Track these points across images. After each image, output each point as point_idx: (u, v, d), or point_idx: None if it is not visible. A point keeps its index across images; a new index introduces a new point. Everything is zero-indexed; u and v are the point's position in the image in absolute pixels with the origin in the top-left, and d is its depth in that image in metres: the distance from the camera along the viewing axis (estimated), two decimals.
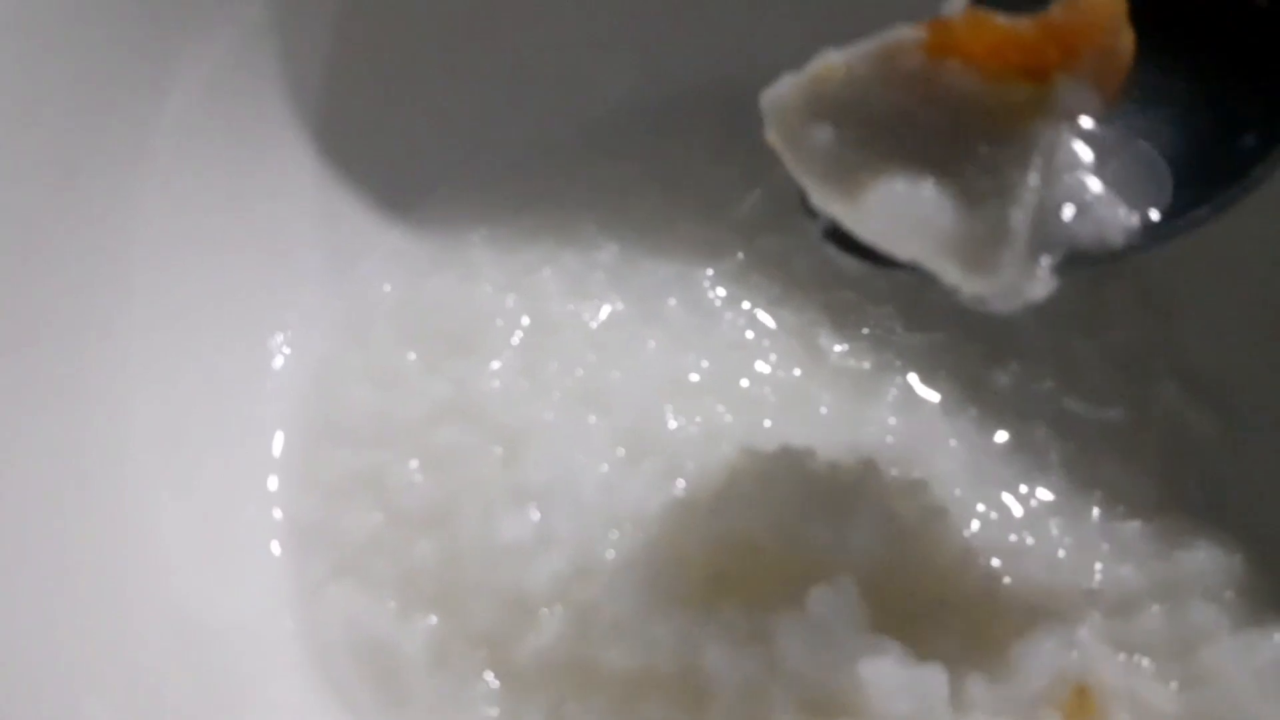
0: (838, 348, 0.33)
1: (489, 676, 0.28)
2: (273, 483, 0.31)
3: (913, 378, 0.33)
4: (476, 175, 0.36)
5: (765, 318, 0.33)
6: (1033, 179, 0.20)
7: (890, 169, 0.20)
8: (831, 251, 0.23)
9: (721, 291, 0.34)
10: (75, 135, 0.28)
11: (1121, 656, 0.28)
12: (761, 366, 0.32)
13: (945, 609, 0.28)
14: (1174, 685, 0.28)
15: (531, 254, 0.35)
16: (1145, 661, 0.28)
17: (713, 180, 0.36)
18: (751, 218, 0.35)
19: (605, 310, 0.33)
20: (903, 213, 0.20)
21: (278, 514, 0.31)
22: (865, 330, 0.33)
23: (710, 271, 0.34)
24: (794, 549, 0.28)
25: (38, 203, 0.27)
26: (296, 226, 0.34)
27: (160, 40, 0.30)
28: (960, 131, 0.21)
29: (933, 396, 0.32)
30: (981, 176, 0.21)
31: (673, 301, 0.33)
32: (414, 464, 0.31)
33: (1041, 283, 0.21)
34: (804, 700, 0.27)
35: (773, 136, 0.22)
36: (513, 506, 0.29)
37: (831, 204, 0.21)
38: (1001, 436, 0.32)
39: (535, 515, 0.29)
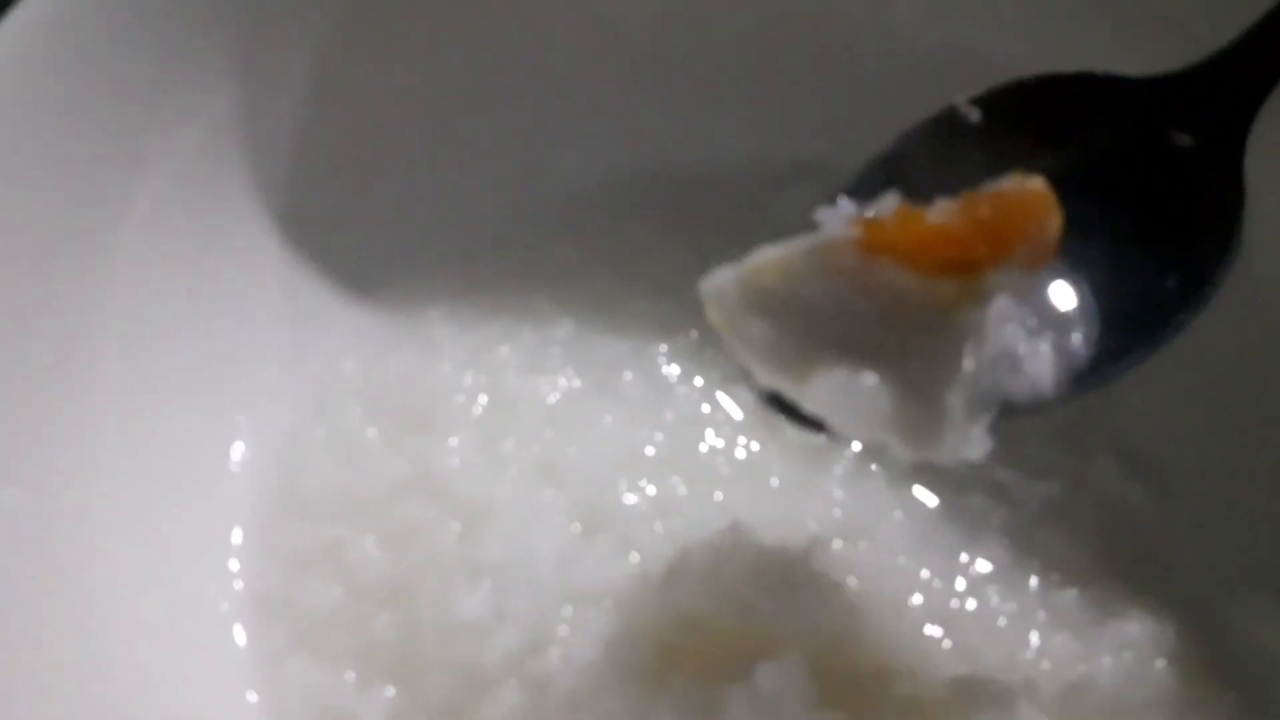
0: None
1: None
2: (235, 557, 0.32)
3: (860, 452, 0.34)
4: (437, 256, 0.37)
5: (719, 394, 0.35)
6: (966, 363, 0.22)
7: (830, 359, 0.22)
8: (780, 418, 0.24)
9: (675, 368, 0.35)
10: (46, 227, 0.29)
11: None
12: (715, 440, 0.34)
13: (890, 677, 0.29)
14: None
15: (490, 331, 0.36)
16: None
17: (665, 260, 0.38)
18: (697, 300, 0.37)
19: (562, 385, 0.35)
20: (845, 398, 0.22)
21: (239, 587, 0.32)
22: None
23: (664, 348, 0.36)
24: (743, 623, 0.30)
25: (7, 291, 0.28)
26: (261, 309, 0.35)
27: (129, 136, 0.32)
28: (895, 322, 0.22)
29: (879, 470, 0.34)
30: (917, 364, 0.22)
31: (628, 376, 0.35)
32: (373, 539, 0.32)
33: (978, 443, 0.22)
34: None
35: (714, 318, 0.23)
36: (469, 582, 0.30)
37: (776, 383, 0.23)
38: (943, 508, 0.33)
39: (491, 591, 0.30)
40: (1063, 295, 0.25)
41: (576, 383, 0.35)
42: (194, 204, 0.34)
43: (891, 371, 0.22)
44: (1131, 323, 0.24)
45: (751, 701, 0.28)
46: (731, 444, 0.34)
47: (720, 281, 0.23)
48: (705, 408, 0.35)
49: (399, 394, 0.35)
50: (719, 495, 0.33)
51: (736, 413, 0.35)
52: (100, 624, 0.28)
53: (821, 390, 0.22)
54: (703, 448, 0.34)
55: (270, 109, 0.34)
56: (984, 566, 0.33)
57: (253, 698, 0.30)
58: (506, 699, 0.29)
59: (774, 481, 0.34)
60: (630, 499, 0.32)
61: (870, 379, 0.22)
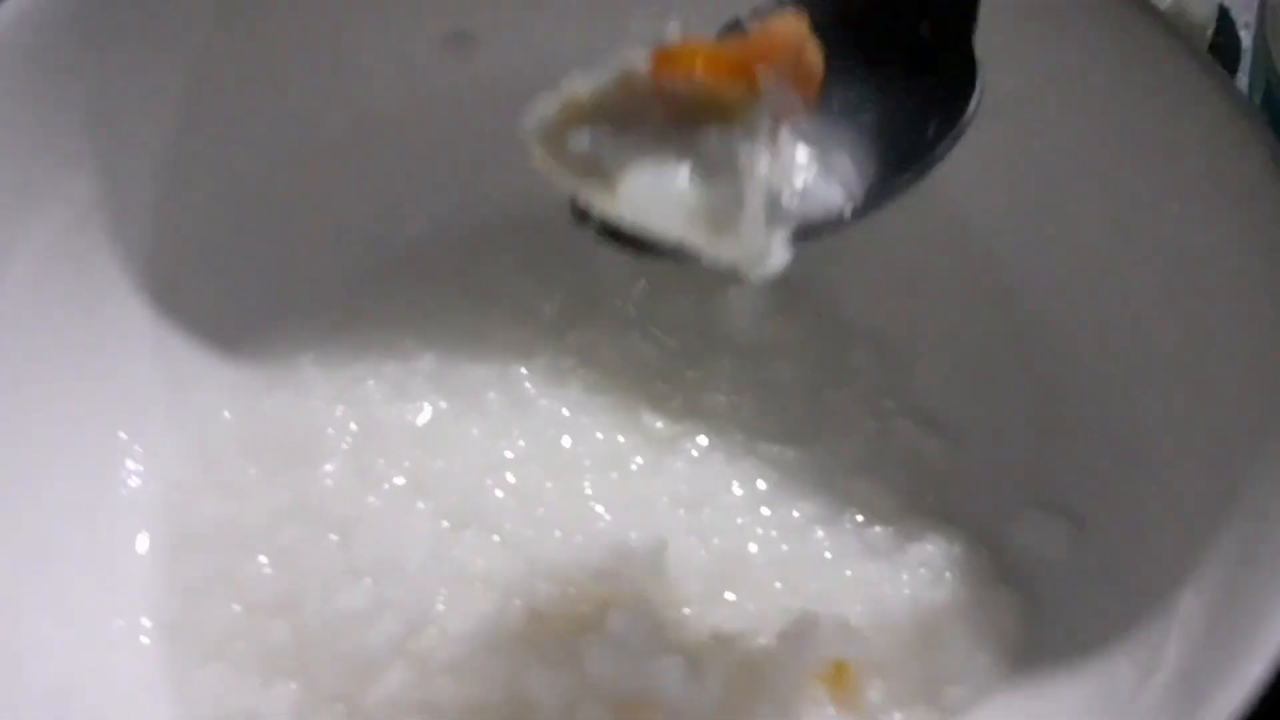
0: (646, 418, 0.40)
1: None
2: (136, 594, 0.37)
3: (703, 438, 0.40)
4: (302, 306, 0.43)
5: (580, 399, 0.41)
6: (760, 158, 0.28)
7: (639, 159, 0.27)
8: (607, 246, 0.29)
9: (537, 384, 0.41)
10: None
11: (870, 635, 0.35)
12: (576, 440, 0.40)
13: (728, 612, 0.35)
14: (910, 648, 0.36)
15: (356, 370, 0.42)
16: (888, 637, 0.35)
17: (517, 293, 0.44)
18: (558, 320, 0.43)
19: (427, 410, 0.40)
20: (654, 194, 0.27)
21: (145, 620, 0.36)
22: (672, 402, 0.41)
23: (524, 370, 0.41)
24: (598, 584, 0.36)
25: None
26: (137, 369, 0.40)
27: (3, 217, 0.36)
28: (694, 125, 0.28)
29: (721, 449, 0.40)
30: (716, 156, 0.28)
31: (491, 395, 0.41)
32: (261, 560, 0.37)
33: (779, 251, 0.28)
34: (612, 703, 0.33)
35: (538, 155, 0.28)
36: (350, 582, 0.36)
37: (595, 199, 0.28)
38: (775, 475, 0.40)
39: (370, 586, 0.35)
40: (842, 139, 0.31)
41: (442, 404, 0.41)
42: (65, 278, 0.39)
43: (694, 164, 0.28)
44: (899, 161, 0.31)
45: (604, 646, 0.34)
46: (591, 440, 0.40)
47: (542, 107, 0.28)
48: (565, 412, 0.41)
49: (275, 434, 0.40)
50: (581, 484, 0.39)
51: (597, 413, 0.40)
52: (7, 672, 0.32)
53: (633, 190, 0.27)
54: (565, 443, 0.40)
55: (130, 184, 0.40)
56: (809, 514, 0.39)
57: (164, 708, 0.34)
58: (394, 677, 0.34)
59: (631, 467, 0.39)
60: (498, 494, 0.38)
61: (674, 171, 0.27)
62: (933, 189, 0.41)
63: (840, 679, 0.35)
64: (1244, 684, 0.28)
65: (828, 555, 0.38)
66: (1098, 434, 0.38)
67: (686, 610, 0.36)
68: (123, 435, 0.39)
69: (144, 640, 0.36)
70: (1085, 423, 0.39)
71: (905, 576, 0.37)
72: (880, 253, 0.43)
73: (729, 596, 0.37)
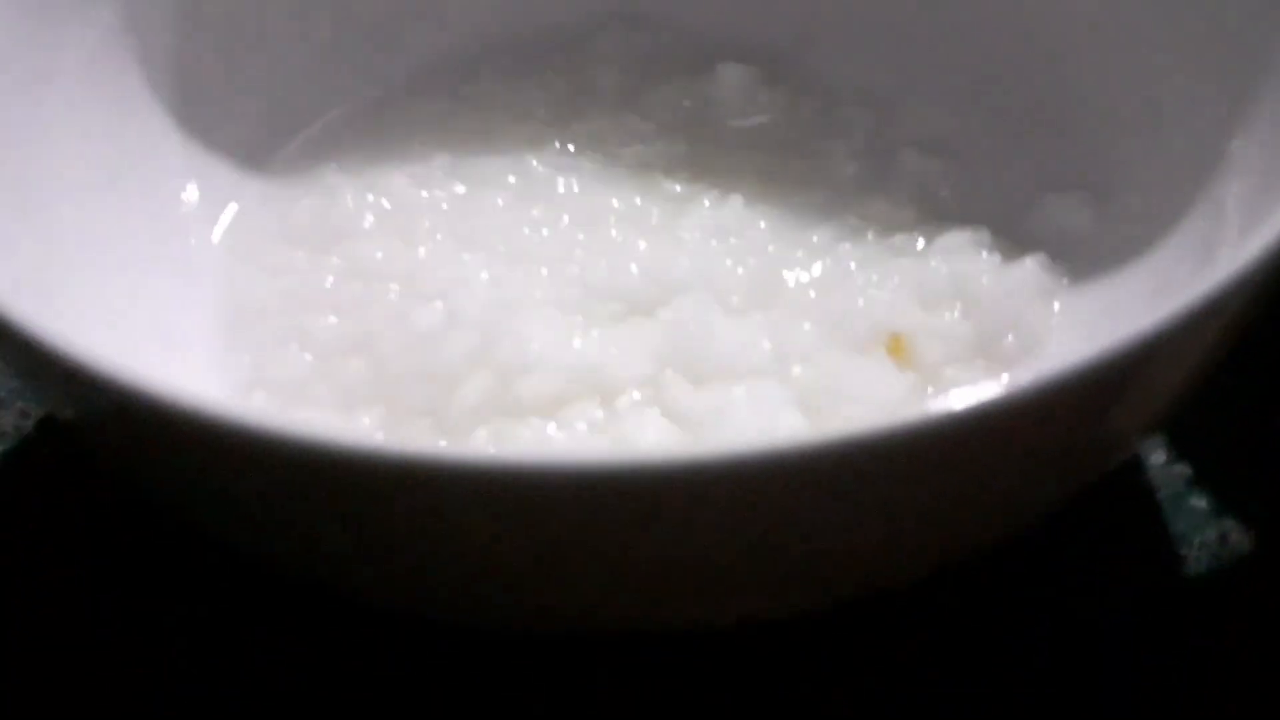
0: (660, 181, 0.44)
1: (436, 436, 0.36)
2: (207, 355, 0.38)
3: (716, 192, 0.43)
4: (322, 122, 0.46)
5: (594, 172, 0.44)
6: None
7: None
8: None
9: (549, 167, 0.44)
10: None
11: (916, 308, 0.38)
12: (599, 202, 0.43)
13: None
14: (956, 314, 0.38)
15: (378, 170, 0.45)
16: (935, 308, 0.39)
17: (518, 95, 0.47)
18: (558, 115, 0.47)
19: (452, 191, 0.43)
20: None
21: (215, 376, 0.38)
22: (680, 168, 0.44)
23: (534, 159, 0.45)
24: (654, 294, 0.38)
25: None
26: (171, 183, 0.42)
27: (41, 39, 0.40)
28: None
29: (737, 197, 0.43)
30: None
31: (510, 179, 0.44)
32: (327, 317, 0.39)
33: None
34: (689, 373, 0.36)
35: None
36: (419, 310, 0.38)
37: None
38: (786, 210, 0.43)
39: (440, 309, 0.37)
40: None
41: (463, 189, 0.43)
42: (99, 101, 0.41)
43: None
44: None
45: (669, 327, 0.37)
46: (611, 203, 0.43)
47: None
48: (579, 187, 0.44)
49: (314, 225, 0.43)
50: (611, 232, 0.41)
51: (611, 184, 0.44)
52: None
53: None
54: (587, 205, 0.43)
55: (152, 9, 0.42)
56: (829, 235, 0.42)
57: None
58: (476, 385, 0.36)
59: (653, 221, 0.43)
60: (536, 241, 0.41)
61: None
62: None
63: (898, 346, 0.38)
64: None
65: (853, 265, 0.41)
66: (1104, 117, 0.42)
67: (740, 303, 0.39)
68: (166, 237, 0.41)
69: (219, 396, 0.37)
70: (1087, 110, 0.43)
71: (935, 263, 0.40)
72: (857, 12, 0.47)
73: (775, 300, 0.40)
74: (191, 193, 0.43)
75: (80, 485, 0.38)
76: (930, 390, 0.37)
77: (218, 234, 0.43)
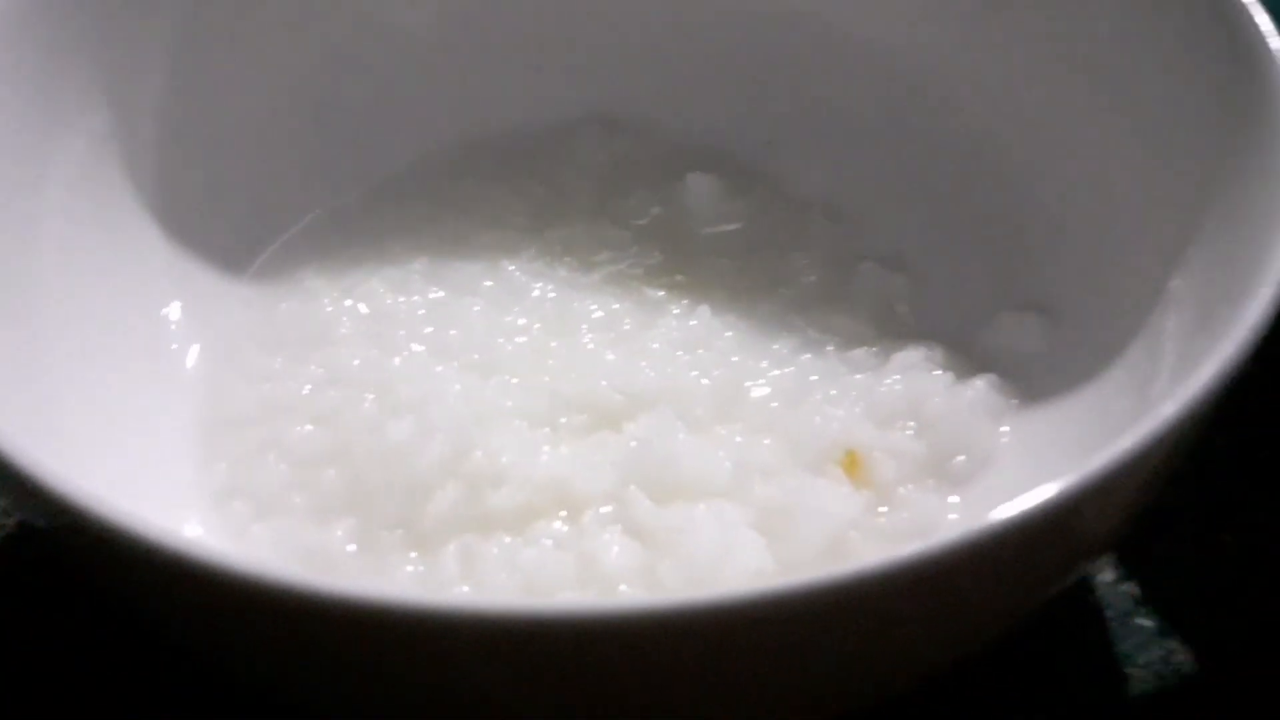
0: (633, 286, 0.47)
1: (406, 545, 0.38)
2: (185, 467, 0.40)
3: (686, 300, 0.46)
4: (303, 224, 0.49)
5: (569, 279, 0.47)
6: None
7: None
8: None
9: (527, 273, 0.48)
10: None
11: (871, 426, 0.41)
12: (574, 308, 0.46)
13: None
14: (910, 432, 0.41)
15: (357, 274, 0.48)
16: (888, 426, 0.42)
17: (496, 200, 0.51)
18: (535, 220, 0.50)
19: (430, 298, 0.46)
20: None
21: (196, 493, 0.40)
22: (654, 275, 0.47)
23: (512, 264, 0.48)
24: (622, 403, 0.41)
25: None
26: (157, 287, 0.45)
27: (32, 147, 0.43)
28: None
29: (705, 304, 0.46)
30: None
31: (487, 283, 0.47)
32: (304, 426, 0.42)
33: None
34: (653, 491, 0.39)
35: None
36: (393, 423, 0.41)
37: None
38: (752, 319, 0.46)
39: (413, 423, 0.40)
40: None
41: (441, 294, 0.46)
42: (88, 207, 0.45)
43: None
44: None
45: (635, 446, 0.40)
46: (585, 309, 0.46)
47: None
48: (555, 293, 0.47)
49: (292, 330, 0.46)
50: (584, 340, 0.44)
51: (585, 290, 0.47)
52: None
53: None
54: (562, 312, 0.46)
55: (139, 118, 0.46)
56: (791, 346, 0.45)
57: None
58: (448, 496, 0.39)
59: (626, 326, 0.46)
60: (510, 350, 0.44)
61: None
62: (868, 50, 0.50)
63: (854, 464, 0.41)
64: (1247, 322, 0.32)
65: (813, 379, 0.44)
66: (1057, 240, 0.45)
67: (703, 416, 0.42)
68: (149, 345, 0.44)
69: (192, 509, 0.40)
70: (1045, 233, 0.46)
71: (890, 380, 0.44)
72: (822, 124, 0.50)
73: (737, 414, 0.43)
74: (175, 301, 0.46)
75: (58, 585, 0.40)
76: (883, 510, 0.40)
77: (201, 339, 0.46)
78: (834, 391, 0.43)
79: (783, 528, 0.39)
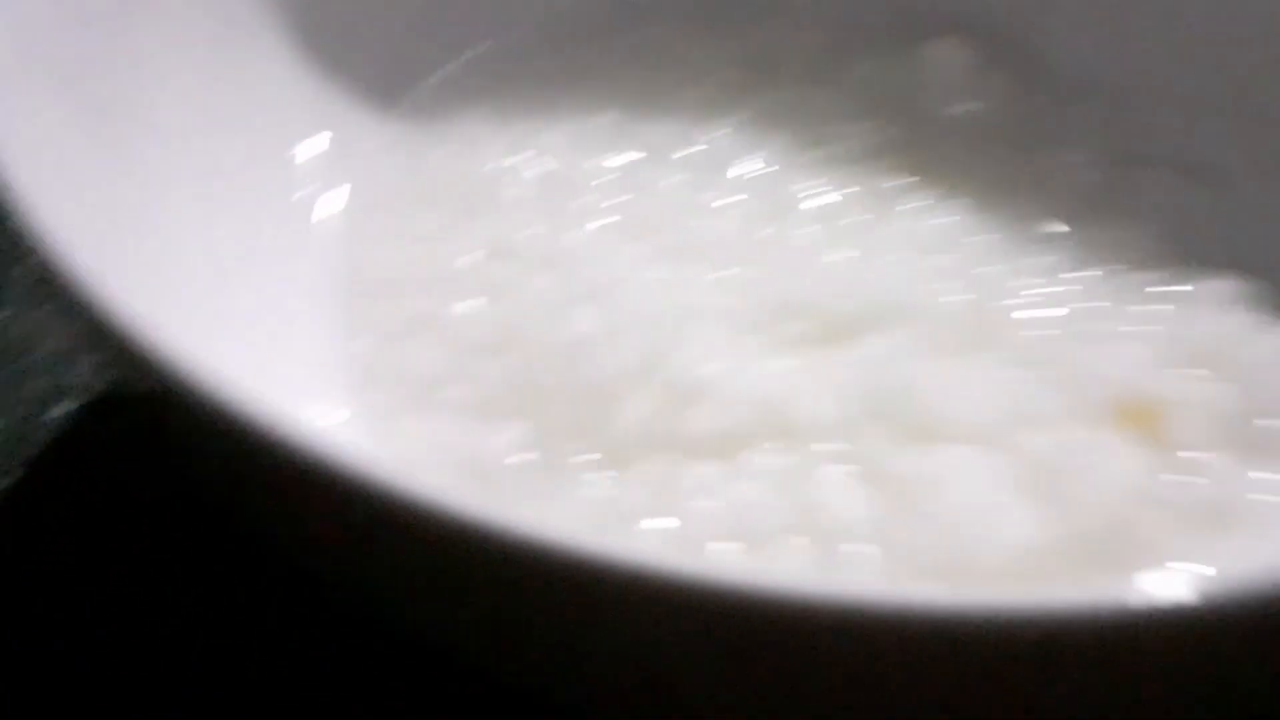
0: (858, 172, 0.39)
1: (590, 460, 0.31)
2: (324, 338, 0.34)
3: (924, 196, 0.38)
4: (464, 60, 0.41)
5: (781, 155, 0.39)
6: None
7: None
8: None
9: (733, 141, 0.40)
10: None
11: (1162, 371, 0.33)
12: (788, 190, 0.38)
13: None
14: (1210, 383, 0.33)
15: (532, 123, 0.40)
16: (1183, 375, 0.33)
17: (696, 53, 0.42)
18: (740, 80, 0.41)
19: (618, 159, 0.38)
20: None
21: (333, 365, 0.33)
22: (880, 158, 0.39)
23: (714, 128, 0.40)
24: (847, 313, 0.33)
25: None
26: (297, 125, 0.38)
27: None
28: None
29: (944, 201, 0.37)
30: None
31: (687, 151, 0.39)
32: (462, 304, 0.35)
33: None
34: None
35: None
36: (574, 310, 0.33)
37: None
38: (1002, 223, 0.37)
39: (597, 314, 0.33)
40: None
41: (631, 157, 0.38)
42: (197, 26, 0.37)
43: None
44: None
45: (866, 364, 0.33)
46: (801, 193, 0.38)
47: None
48: (765, 166, 0.39)
49: (451, 184, 0.39)
50: (801, 230, 0.37)
51: (801, 171, 0.39)
52: None
53: None
54: (774, 195, 0.38)
55: None
56: (1061, 265, 0.36)
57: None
58: (639, 406, 0.32)
59: (845, 221, 0.37)
60: (712, 235, 0.36)
61: None
62: None
63: (1144, 417, 0.33)
64: None
65: (1091, 304, 0.36)
66: None
67: (952, 340, 0.34)
68: (297, 188, 0.37)
69: (338, 391, 0.33)
70: None
71: (1190, 317, 0.35)
72: None
73: (995, 341, 0.35)
74: (308, 140, 0.39)
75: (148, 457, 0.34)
76: (1169, 478, 0.32)
77: (340, 186, 0.38)
78: (1117, 324, 0.35)
79: (1055, 491, 0.31)
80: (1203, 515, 0.32)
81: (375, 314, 0.35)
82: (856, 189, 0.38)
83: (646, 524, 0.30)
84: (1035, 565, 0.30)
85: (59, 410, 0.36)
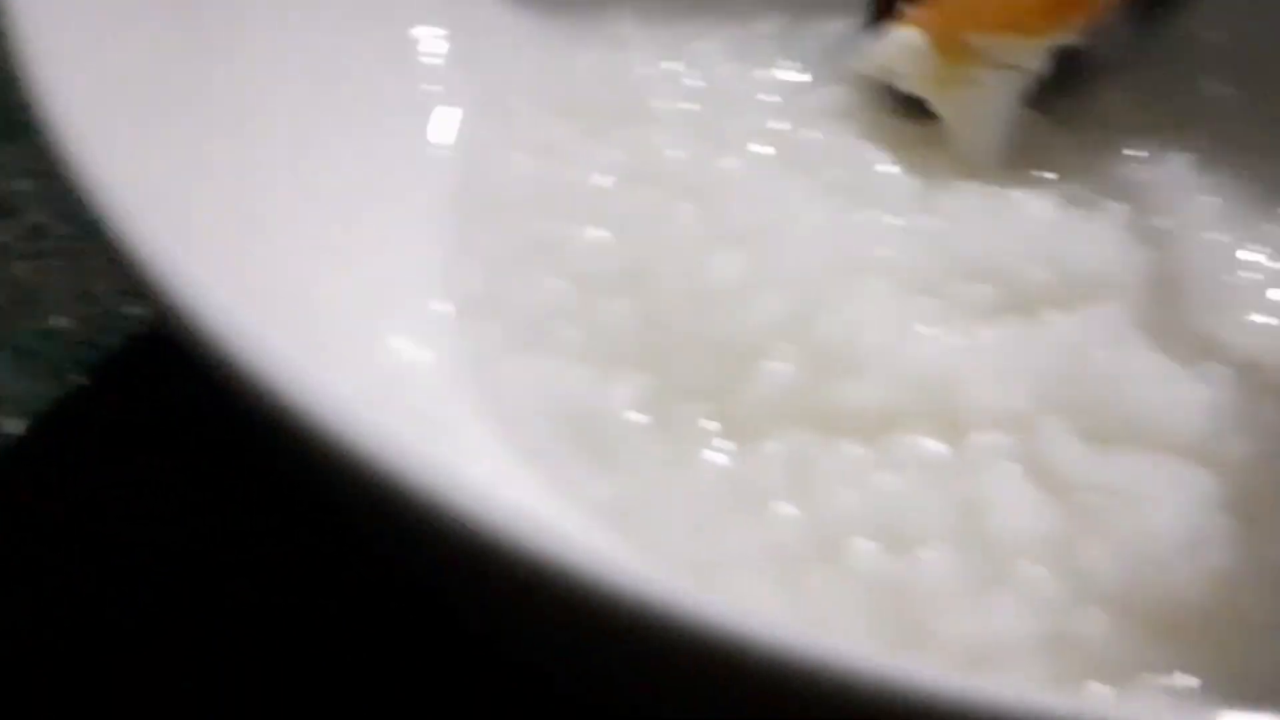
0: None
1: (714, 428, 0.28)
2: (425, 264, 0.31)
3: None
4: None
5: None
6: None
7: None
8: None
9: None
10: None
11: None
12: None
13: None
14: None
15: (688, 27, 0.36)
16: None
17: None
18: None
19: (785, 78, 0.34)
20: None
21: (437, 289, 0.30)
22: None
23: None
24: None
25: None
26: (406, 10, 0.35)
27: None
28: None
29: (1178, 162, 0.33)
30: None
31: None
32: (593, 230, 0.31)
33: None
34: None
35: None
36: (717, 252, 0.29)
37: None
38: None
39: (746, 258, 0.29)
40: None
41: (803, 77, 0.34)
42: None
43: None
44: None
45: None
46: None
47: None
48: None
49: (593, 90, 0.35)
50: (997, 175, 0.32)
51: None
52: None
53: None
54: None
55: None
56: None
57: (464, 404, 0.29)
58: (777, 369, 0.28)
59: None
60: (892, 172, 0.31)
61: None
62: None
63: None
64: None
65: None
66: None
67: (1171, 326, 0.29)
68: (411, 89, 0.34)
69: (439, 319, 0.30)
70: None
71: None
72: None
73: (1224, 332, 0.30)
74: (430, 31, 0.35)
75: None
76: None
77: (463, 88, 0.35)
78: None
79: (1274, 519, 0.27)
80: None
81: (489, 236, 0.32)
82: (1058, 135, 0.33)
83: (774, 508, 0.27)
84: (1234, 606, 0.26)
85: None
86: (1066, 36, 0.32)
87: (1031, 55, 0.31)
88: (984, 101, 0.32)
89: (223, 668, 0.28)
